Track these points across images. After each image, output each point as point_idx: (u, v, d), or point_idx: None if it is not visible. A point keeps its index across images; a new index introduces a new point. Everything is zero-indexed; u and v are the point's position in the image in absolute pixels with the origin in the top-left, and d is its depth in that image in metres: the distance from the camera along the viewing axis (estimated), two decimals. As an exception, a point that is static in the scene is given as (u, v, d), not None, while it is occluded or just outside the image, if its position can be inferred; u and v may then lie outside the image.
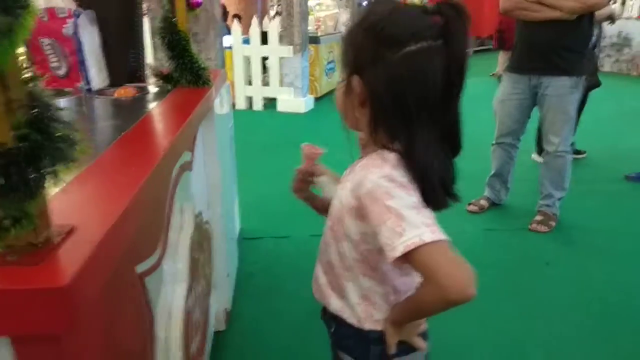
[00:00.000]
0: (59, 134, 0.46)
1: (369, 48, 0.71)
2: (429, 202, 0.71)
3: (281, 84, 5.57)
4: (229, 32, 5.58)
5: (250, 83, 5.68)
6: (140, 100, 1.35)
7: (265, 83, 5.71)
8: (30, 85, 0.46)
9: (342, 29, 6.97)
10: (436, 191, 0.72)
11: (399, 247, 0.66)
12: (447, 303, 0.67)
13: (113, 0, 1.49)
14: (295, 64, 5.42)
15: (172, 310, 1.02)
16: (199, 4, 1.40)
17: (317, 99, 5.93)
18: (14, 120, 0.44)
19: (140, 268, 0.82)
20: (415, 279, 0.79)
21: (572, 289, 2.13)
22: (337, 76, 6.81)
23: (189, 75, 1.43)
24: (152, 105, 1.24)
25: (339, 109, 0.81)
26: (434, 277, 0.66)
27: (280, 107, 5.58)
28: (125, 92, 1.37)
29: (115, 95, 1.36)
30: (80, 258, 0.48)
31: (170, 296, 1.07)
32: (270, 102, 5.71)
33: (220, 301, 1.76)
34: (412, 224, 0.67)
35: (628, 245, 2.51)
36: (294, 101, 5.52)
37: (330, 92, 6.56)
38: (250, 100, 5.71)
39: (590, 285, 2.16)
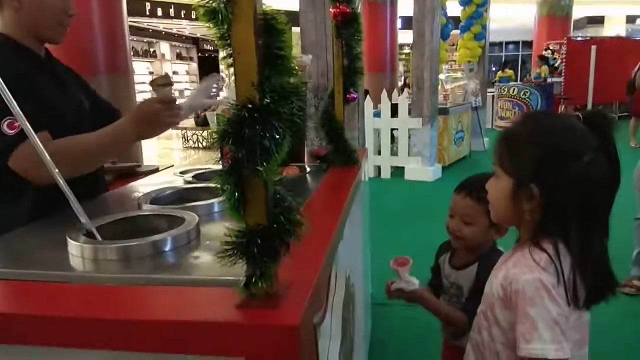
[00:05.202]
0: (294, 218, 0.68)
1: (547, 161, 0.85)
2: (590, 296, 0.84)
3: (409, 153, 5.77)
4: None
5: (379, 153, 5.98)
6: (303, 178, 1.62)
7: (394, 152, 5.96)
8: (278, 186, 0.69)
9: (471, 99, 7.05)
10: (595, 284, 0.84)
11: (523, 351, 0.82)
12: None
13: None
14: (423, 134, 5.61)
15: (329, 363, 1.18)
16: (354, 99, 1.67)
17: (445, 168, 5.99)
18: (269, 210, 0.67)
19: (315, 319, 1.00)
20: None
21: None
22: (466, 145, 6.83)
23: (343, 157, 1.69)
24: (316, 184, 1.49)
25: (497, 209, 0.94)
26: None
27: (408, 175, 5.75)
28: (292, 171, 1.65)
29: (284, 174, 1.65)
30: (302, 306, 0.68)
31: (326, 350, 1.23)
32: (397, 170, 5.92)
33: (357, 362, 1.88)
34: (541, 338, 0.80)
35: None
36: (421, 170, 5.66)
37: (459, 161, 6.57)
38: (378, 168, 5.98)
39: None
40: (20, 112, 0.94)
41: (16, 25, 1.27)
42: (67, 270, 0.88)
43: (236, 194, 0.64)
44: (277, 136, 0.63)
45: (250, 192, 0.65)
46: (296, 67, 0.65)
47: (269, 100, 0.61)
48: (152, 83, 1.25)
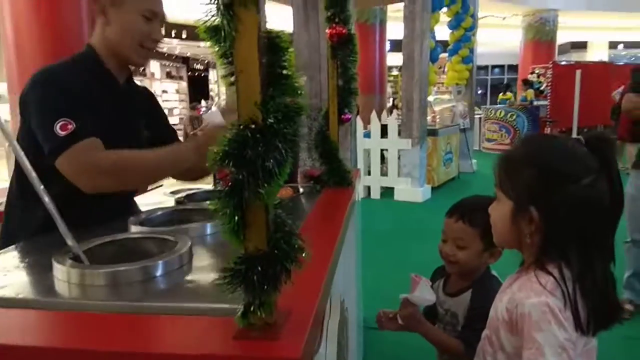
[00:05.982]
0: (295, 243, 0.65)
1: (544, 183, 0.83)
2: (593, 321, 0.81)
3: (399, 174, 5.78)
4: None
5: (369, 173, 5.97)
6: (297, 199, 1.59)
7: (383, 173, 5.96)
8: (278, 210, 0.66)
9: (460, 120, 7.13)
10: (600, 310, 0.81)
11: None
12: None
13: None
14: (413, 155, 5.63)
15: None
16: (349, 119, 1.66)
17: (434, 189, 6.00)
18: (269, 234, 0.64)
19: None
20: None
21: None
22: (454, 166, 6.87)
23: (336, 178, 1.66)
24: (310, 205, 1.46)
25: (499, 232, 0.92)
26: None
27: (398, 196, 5.75)
28: (285, 192, 1.62)
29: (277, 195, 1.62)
30: (303, 337, 0.64)
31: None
32: (387, 191, 5.91)
33: (350, 389, 1.82)
34: None
35: None
36: (411, 190, 5.66)
37: (448, 182, 6.60)
38: (368, 189, 5.97)
39: None
40: (15, 142, 0.93)
41: (103, 40, 1.31)
42: (52, 296, 0.83)
43: (236, 217, 0.61)
44: (280, 158, 0.60)
45: (251, 216, 0.62)
46: (301, 87, 0.63)
47: (272, 121, 0.58)
48: (223, 111, 1.33)
